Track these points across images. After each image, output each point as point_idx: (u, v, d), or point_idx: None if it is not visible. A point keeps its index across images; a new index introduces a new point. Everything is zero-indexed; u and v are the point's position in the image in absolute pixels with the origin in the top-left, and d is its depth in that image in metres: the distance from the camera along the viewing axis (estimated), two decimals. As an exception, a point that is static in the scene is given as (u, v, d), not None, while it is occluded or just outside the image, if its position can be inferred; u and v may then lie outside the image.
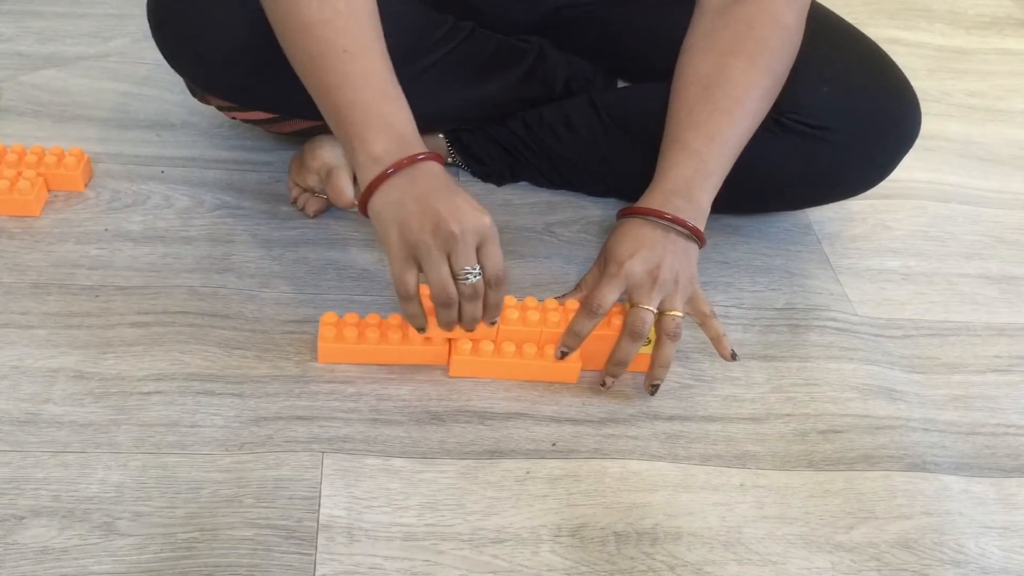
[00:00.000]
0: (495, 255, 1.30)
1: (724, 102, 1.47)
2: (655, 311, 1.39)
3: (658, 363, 1.40)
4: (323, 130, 1.58)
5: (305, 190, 1.64)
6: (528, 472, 1.31)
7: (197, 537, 1.18)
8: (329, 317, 1.42)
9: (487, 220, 1.29)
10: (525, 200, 1.74)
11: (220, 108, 1.62)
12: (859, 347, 1.55)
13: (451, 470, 1.30)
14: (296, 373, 1.39)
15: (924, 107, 1.60)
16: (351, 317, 1.42)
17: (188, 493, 1.23)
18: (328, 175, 1.58)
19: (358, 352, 1.42)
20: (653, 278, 1.39)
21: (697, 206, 1.44)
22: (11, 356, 1.36)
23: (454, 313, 1.32)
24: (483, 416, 1.37)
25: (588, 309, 1.39)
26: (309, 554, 1.18)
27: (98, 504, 1.20)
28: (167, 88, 1.88)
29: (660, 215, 1.41)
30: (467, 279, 1.28)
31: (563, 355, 1.41)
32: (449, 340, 1.42)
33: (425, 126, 1.74)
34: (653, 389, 1.41)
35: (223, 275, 1.52)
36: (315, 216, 1.64)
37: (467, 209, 1.28)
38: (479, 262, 1.29)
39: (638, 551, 1.23)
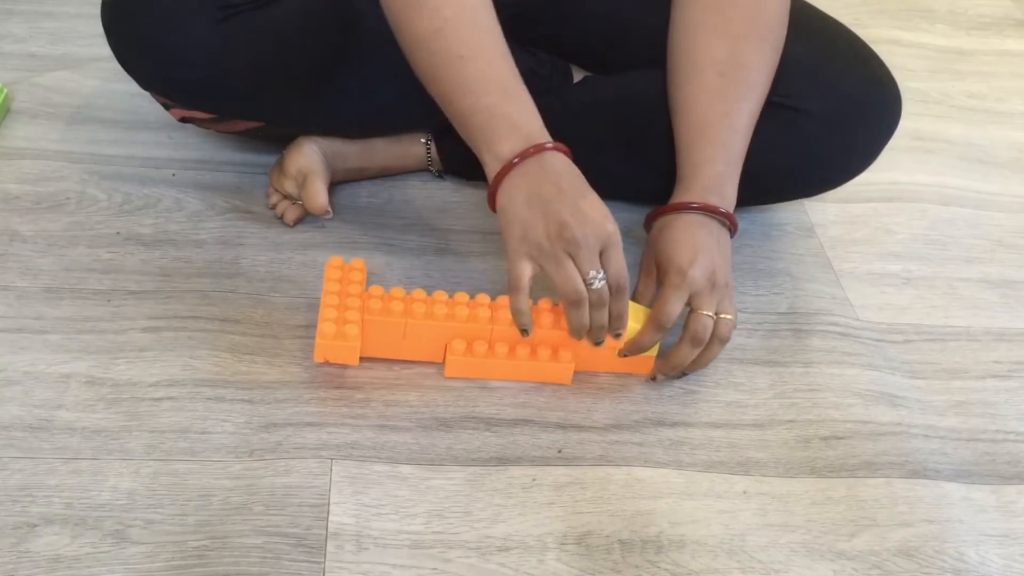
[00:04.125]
0: (617, 260, 1.32)
1: (742, 90, 1.50)
2: (716, 317, 1.40)
3: (701, 363, 1.44)
4: (268, 130, 1.63)
5: (284, 196, 1.65)
6: (534, 479, 1.32)
7: (208, 545, 1.19)
8: (328, 313, 1.42)
9: (610, 225, 1.32)
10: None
11: (165, 106, 1.62)
12: (861, 352, 1.56)
13: (458, 477, 1.32)
14: (305, 379, 1.41)
15: (924, 108, 1.62)
16: (351, 314, 1.43)
17: (199, 500, 1.24)
18: (304, 180, 1.59)
19: (355, 349, 1.42)
20: (712, 283, 1.41)
21: (729, 199, 1.47)
22: (25, 361, 1.38)
23: (585, 314, 1.34)
24: (490, 423, 1.39)
25: (657, 324, 1.40)
26: (318, 562, 1.19)
27: (110, 512, 1.22)
28: (177, 90, 1.88)
29: (713, 209, 1.45)
30: (592, 283, 1.31)
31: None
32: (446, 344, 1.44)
33: (399, 124, 1.72)
34: (677, 376, 1.47)
35: (233, 279, 1.54)
36: (294, 224, 1.64)
37: (592, 214, 1.31)
38: (603, 267, 1.31)
39: (643, 559, 1.25)
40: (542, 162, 1.32)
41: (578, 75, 1.76)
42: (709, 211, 1.44)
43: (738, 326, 1.57)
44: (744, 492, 1.35)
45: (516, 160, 1.32)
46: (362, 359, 1.43)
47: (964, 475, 1.41)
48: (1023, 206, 1.95)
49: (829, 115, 1.58)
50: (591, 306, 1.33)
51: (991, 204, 1.94)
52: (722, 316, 1.40)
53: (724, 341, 1.41)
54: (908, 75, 1.58)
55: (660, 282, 1.45)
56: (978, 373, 1.58)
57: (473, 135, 1.37)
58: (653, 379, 1.48)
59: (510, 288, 1.35)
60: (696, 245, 1.42)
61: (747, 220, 1.78)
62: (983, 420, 1.50)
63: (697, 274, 1.39)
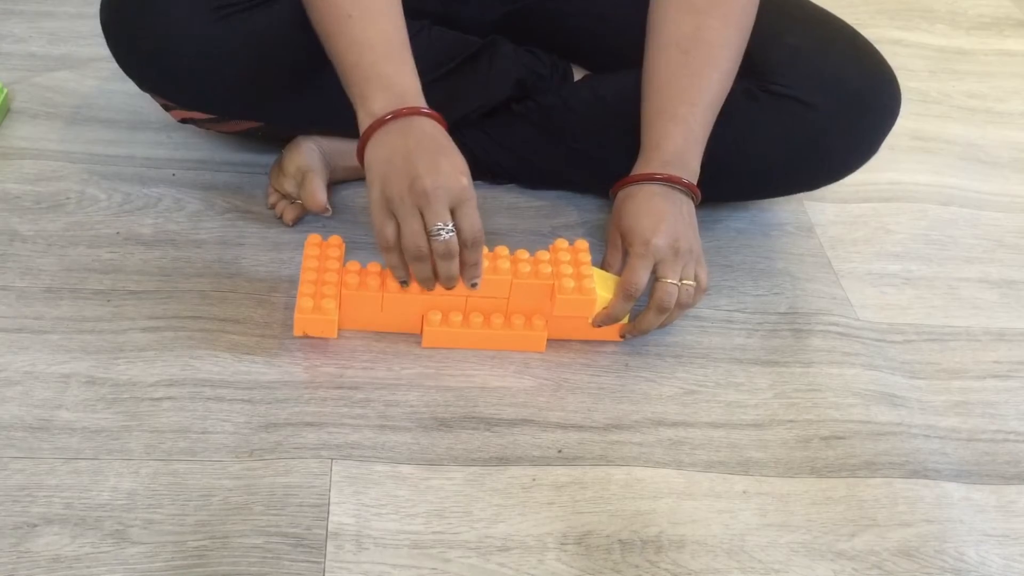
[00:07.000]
0: (469, 216, 1.33)
1: (702, 67, 1.52)
2: (680, 284, 1.44)
3: (663, 326, 1.49)
4: (268, 130, 1.64)
5: (283, 196, 1.65)
6: (534, 479, 1.32)
7: (207, 545, 1.19)
8: (307, 288, 1.45)
9: (464, 179, 1.33)
10: (531, 204, 1.76)
11: (166, 108, 1.62)
12: (861, 352, 1.56)
13: (458, 477, 1.32)
14: (305, 379, 1.41)
15: (924, 108, 1.61)
16: (328, 289, 1.46)
17: (199, 500, 1.24)
18: (303, 179, 1.59)
19: (333, 322, 1.45)
20: (675, 251, 1.44)
21: (692, 171, 1.50)
22: (25, 361, 1.38)
23: (427, 268, 1.36)
24: (490, 423, 1.39)
25: (626, 293, 1.44)
26: (318, 562, 1.19)
27: (110, 512, 1.22)
28: (177, 89, 1.88)
29: (676, 180, 1.48)
30: (439, 236, 1.31)
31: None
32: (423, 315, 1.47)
33: None
34: (632, 335, 1.52)
35: (233, 279, 1.54)
36: (293, 224, 1.64)
37: (446, 168, 1.31)
38: (455, 223, 1.32)
39: (643, 559, 1.25)
40: (411, 123, 1.34)
41: (578, 74, 1.76)
42: (671, 182, 1.48)
43: (738, 325, 1.58)
44: (744, 492, 1.35)
45: (388, 117, 1.34)
46: (341, 332, 1.48)
47: (964, 475, 1.41)
48: (1023, 206, 1.95)
49: (831, 107, 1.58)
50: (437, 256, 1.34)
51: (991, 204, 1.94)
52: (685, 283, 1.45)
53: (685, 307, 1.47)
54: (908, 75, 1.57)
55: (625, 251, 1.48)
56: (978, 373, 1.58)
57: (351, 91, 1.39)
58: (623, 337, 1.52)
59: (379, 248, 1.36)
60: (659, 214, 1.46)
61: (747, 220, 1.79)
62: (983, 420, 1.50)
63: (660, 243, 1.43)
